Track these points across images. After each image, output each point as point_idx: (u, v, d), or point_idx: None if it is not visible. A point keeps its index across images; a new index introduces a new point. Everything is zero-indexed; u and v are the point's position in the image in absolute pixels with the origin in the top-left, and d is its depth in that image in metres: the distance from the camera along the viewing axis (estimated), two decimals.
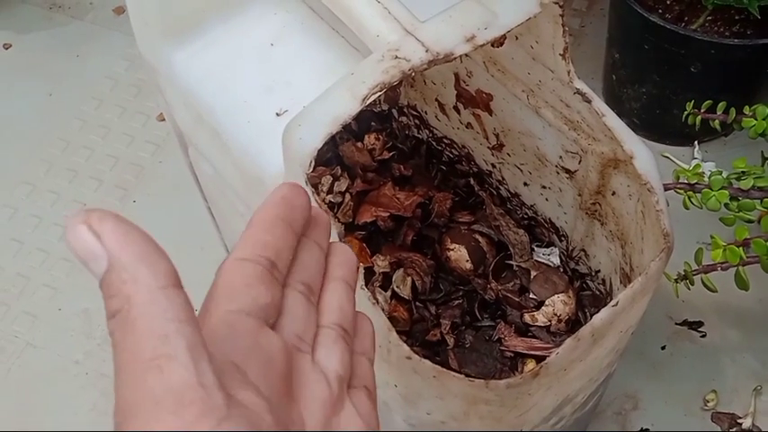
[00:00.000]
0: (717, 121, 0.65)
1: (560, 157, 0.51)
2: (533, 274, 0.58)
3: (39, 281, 0.85)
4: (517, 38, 0.44)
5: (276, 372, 0.23)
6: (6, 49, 1.04)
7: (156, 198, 0.90)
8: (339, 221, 0.60)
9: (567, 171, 0.52)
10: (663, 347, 0.75)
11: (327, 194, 0.62)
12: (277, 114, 0.44)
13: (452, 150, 0.65)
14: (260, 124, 0.44)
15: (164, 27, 0.46)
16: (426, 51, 0.34)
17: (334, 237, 0.37)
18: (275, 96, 0.45)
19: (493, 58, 0.50)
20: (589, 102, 0.41)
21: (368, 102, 0.33)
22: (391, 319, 0.57)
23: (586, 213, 0.53)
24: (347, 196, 0.63)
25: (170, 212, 0.87)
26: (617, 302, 0.37)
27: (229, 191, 0.49)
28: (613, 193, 0.48)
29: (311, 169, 0.34)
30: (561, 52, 0.40)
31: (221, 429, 0.20)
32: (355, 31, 0.36)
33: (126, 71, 1.02)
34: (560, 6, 0.38)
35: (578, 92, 0.41)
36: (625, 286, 0.43)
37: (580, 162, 0.50)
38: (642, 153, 0.40)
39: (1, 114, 0.99)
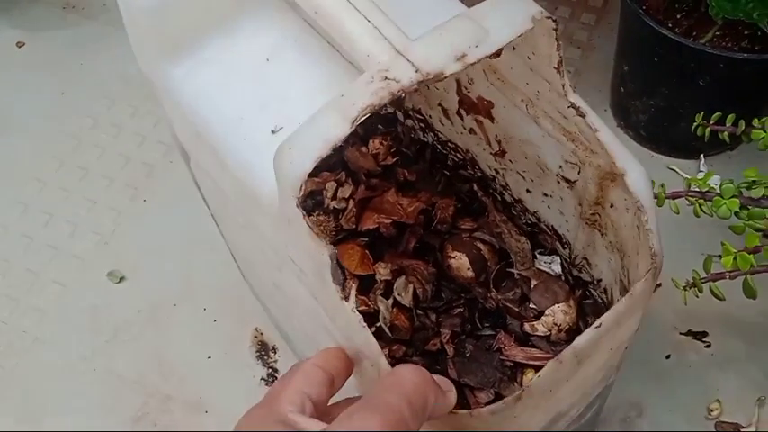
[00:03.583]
0: (726, 133, 0.66)
1: (560, 166, 0.51)
2: (534, 282, 0.58)
3: (48, 277, 0.86)
4: (515, 48, 0.44)
5: None
6: (20, 47, 1.05)
7: (167, 197, 0.91)
8: (343, 228, 0.61)
9: (567, 181, 0.52)
10: (667, 356, 0.75)
11: (332, 201, 0.62)
12: (272, 131, 0.44)
13: (457, 154, 0.65)
14: (255, 141, 0.44)
15: (160, 45, 0.46)
16: (416, 72, 0.34)
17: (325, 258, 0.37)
18: (271, 113, 0.45)
19: (492, 67, 0.50)
20: (583, 116, 0.40)
21: (357, 124, 0.33)
22: (392, 327, 0.57)
23: (586, 223, 0.53)
24: (351, 202, 0.63)
25: (180, 212, 0.88)
26: (600, 324, 0.36)
27: (230, 204, 0.49)
28: (611, 206, 0.48)
29: (302, 193, 0.34)
30: (555, 66, 0.39)
31: None
32: (347, 50, 0.36)
33: (138, 72, 1.02)
34: (554, 21, 0.37)
35: (572, 105, 0.41)
36: None
37: (579, 173, 0.49)
38: (634, 170, 0.40)
39: (13, 112, 1.00)
